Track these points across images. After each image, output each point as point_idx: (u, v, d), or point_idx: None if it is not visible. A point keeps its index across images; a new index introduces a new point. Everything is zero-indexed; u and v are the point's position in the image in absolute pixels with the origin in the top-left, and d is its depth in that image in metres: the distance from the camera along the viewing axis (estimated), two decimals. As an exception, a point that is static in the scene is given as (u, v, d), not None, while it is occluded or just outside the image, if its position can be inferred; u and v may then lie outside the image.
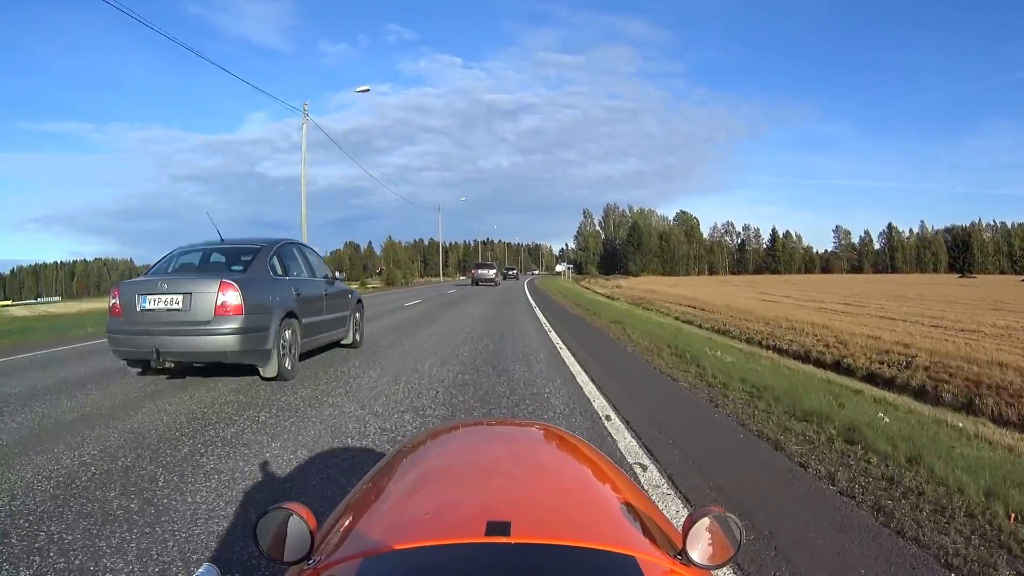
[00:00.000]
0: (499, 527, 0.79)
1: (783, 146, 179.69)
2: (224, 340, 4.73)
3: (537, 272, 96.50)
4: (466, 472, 1.14)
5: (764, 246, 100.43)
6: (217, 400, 4.53)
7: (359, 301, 7.44)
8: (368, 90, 22.35)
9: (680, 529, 0.85)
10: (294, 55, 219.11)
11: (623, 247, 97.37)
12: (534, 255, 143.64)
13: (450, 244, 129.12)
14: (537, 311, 15.19)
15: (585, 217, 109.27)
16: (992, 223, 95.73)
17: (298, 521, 0.83)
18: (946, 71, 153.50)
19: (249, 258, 5.40)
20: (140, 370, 5.50)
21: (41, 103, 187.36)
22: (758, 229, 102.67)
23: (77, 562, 2.06)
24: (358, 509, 1.00)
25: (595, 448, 1.40)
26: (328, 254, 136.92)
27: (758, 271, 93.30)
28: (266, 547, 0.85)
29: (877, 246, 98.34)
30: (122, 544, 2.19)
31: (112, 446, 3.41)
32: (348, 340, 7.03)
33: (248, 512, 2.45)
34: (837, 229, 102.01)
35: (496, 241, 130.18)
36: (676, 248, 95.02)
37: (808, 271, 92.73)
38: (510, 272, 53.92)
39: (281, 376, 5.08)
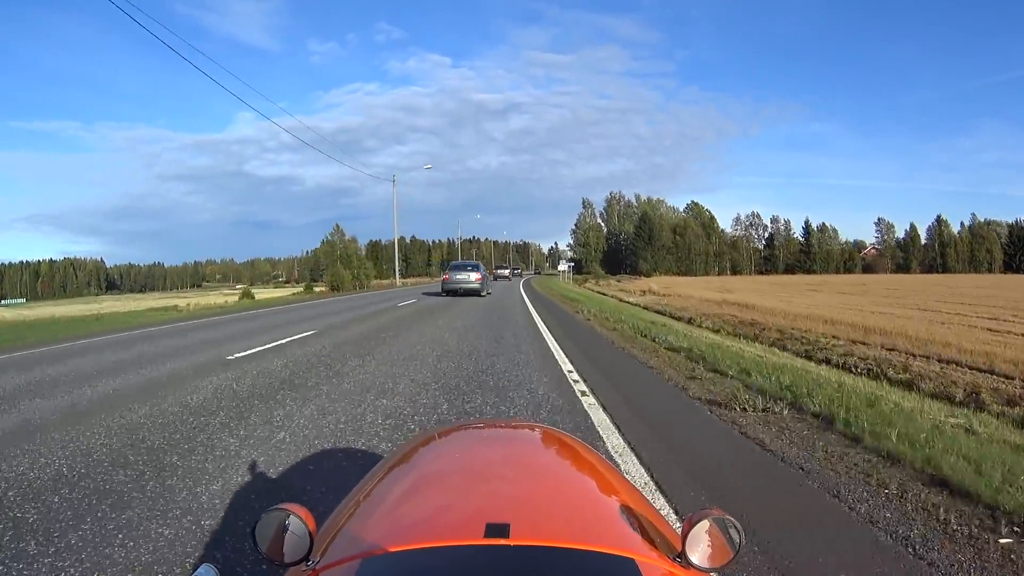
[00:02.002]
0: (498, 529, 0.79)
1: (773, 145, 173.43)
2: (477, 286, 20.15)
3: (534, 271, 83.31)
4: (465, 474, 1.14)
5: (797, 241, 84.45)
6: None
7: (490, 280, 26.54)
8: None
9: (679, 531, 0.84)
10: (283, 54, 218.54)
11: (631, 242, 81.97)
12: (523, 253, 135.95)
13: (433, 243, 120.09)
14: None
15: (585, 208, 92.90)
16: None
17: (297, 522, 0.82)
18: (938, 70, 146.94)
19: (477, 265, 22.32)
20: (446, 295, 20.11)
21: (29, 101, 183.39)
22: (788, 222, 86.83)
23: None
24: (357, 510, 0.99)
25: (594, 450, 1.38)
26: (307, 253, 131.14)
27: (789, 270, 79.25)
28: (265, 548, 0.84)
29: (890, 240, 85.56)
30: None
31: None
32: (490, 291, 21.90)
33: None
34: (880, 222, 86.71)
35: (483, 239, 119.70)
36: (693, 243, 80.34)
37: (848, 271, 79.05)
38: (516, 271, 67.01)
39: (484, 296, 20.29)
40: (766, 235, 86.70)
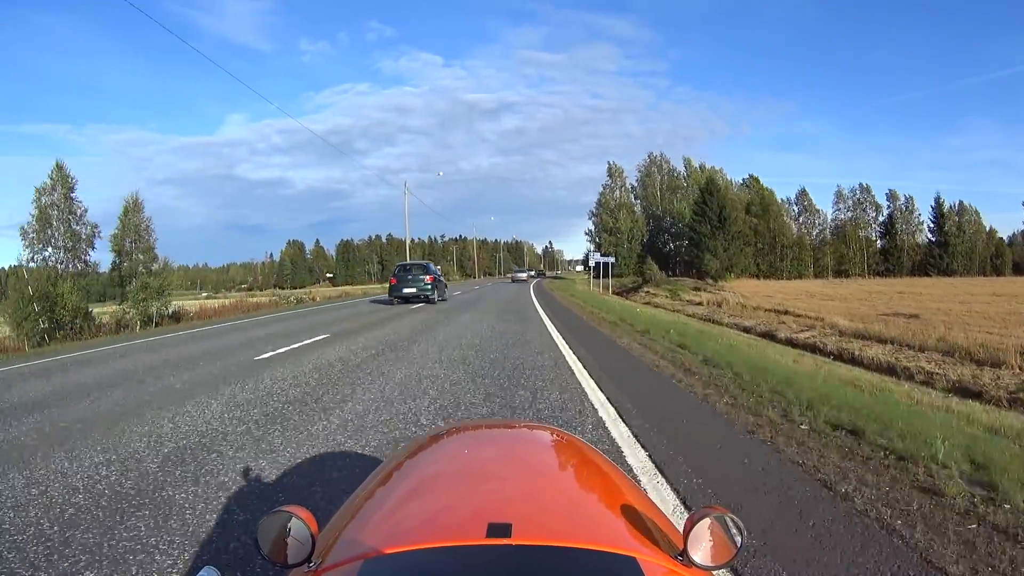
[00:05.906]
0: (500, 529, 0.79)
1: (765, 144, 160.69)
2: (525, 279, 49.34)
3: (527, 272, 60.81)
4: (467, 474, 1.13)
5: (927, 228, 58.06)
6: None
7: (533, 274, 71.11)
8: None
9: (681, 530, 0.83)
10: (273, 54, 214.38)
11: (687, 228, 53.61)
12: (515, 253, 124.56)
13: (415, 241, 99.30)
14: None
15: (611, 178, 63.13)
16: None
17: (299, 524, 0.82)
18: (929, 70, 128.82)
19: (525, 269, 68.47)
20: (510, 281, 48.93)
21: (16, 104, 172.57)
22: (911, 199, 58.45)
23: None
24: (359, 512, 0.98)
25: (596, 450, 1.36)
26: (269, 257, 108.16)
27: (918, 270, 55.07)
28: (267, 550, 0.83)
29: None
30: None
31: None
32: (526, 281, 50.11)
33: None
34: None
35: (468, 238, 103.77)
36: (780, 230, 54.79)
37: (996, 271, 55.49)
38: (542, 273, 75.88)
39: (527, 282, 49.76)
40: (882, 220, 59.41)
